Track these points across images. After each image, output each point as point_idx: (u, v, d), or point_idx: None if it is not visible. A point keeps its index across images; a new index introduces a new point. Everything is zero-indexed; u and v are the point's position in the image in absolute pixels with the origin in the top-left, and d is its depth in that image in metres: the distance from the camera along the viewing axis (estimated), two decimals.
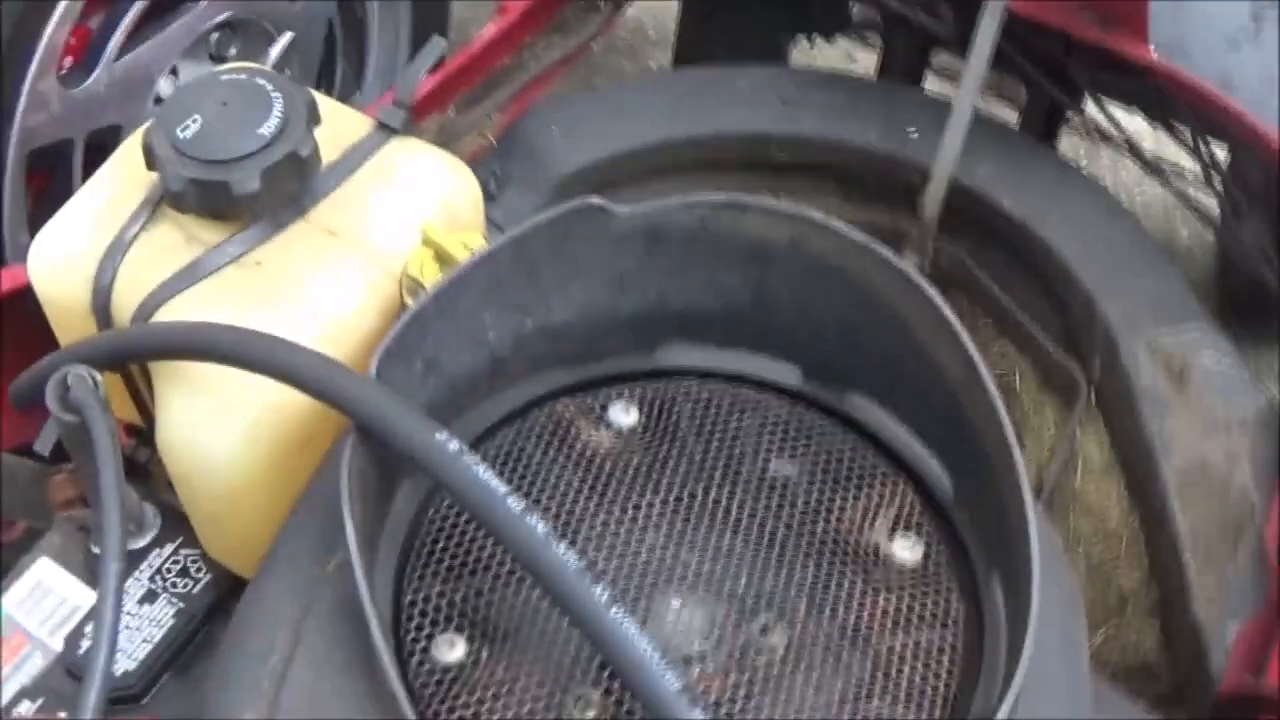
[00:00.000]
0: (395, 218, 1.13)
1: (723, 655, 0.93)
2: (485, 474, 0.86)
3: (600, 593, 0.82)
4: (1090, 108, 2.02)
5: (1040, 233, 1.76)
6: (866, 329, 1.02)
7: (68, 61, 1.71)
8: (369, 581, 0.86)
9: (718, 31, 2.22)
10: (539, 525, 0.84)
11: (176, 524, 1.20)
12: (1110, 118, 1.98)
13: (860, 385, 1.07)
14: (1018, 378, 1.82)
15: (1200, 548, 1.52)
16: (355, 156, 1.16)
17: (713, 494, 0.99)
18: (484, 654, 0.92)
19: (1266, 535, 1.51)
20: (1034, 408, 1.79)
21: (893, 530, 1.00)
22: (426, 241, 1.10)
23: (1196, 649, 1.47)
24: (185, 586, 1.18)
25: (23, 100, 1.66)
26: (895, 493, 1.01)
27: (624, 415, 1.04)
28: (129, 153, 1.16)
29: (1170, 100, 1.81)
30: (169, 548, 1.20)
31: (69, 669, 1.15)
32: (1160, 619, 1.59)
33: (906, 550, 0.99)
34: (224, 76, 1.13)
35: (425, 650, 0.92)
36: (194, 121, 1.08)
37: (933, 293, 0.96)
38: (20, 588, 1.19)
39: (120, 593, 0.95)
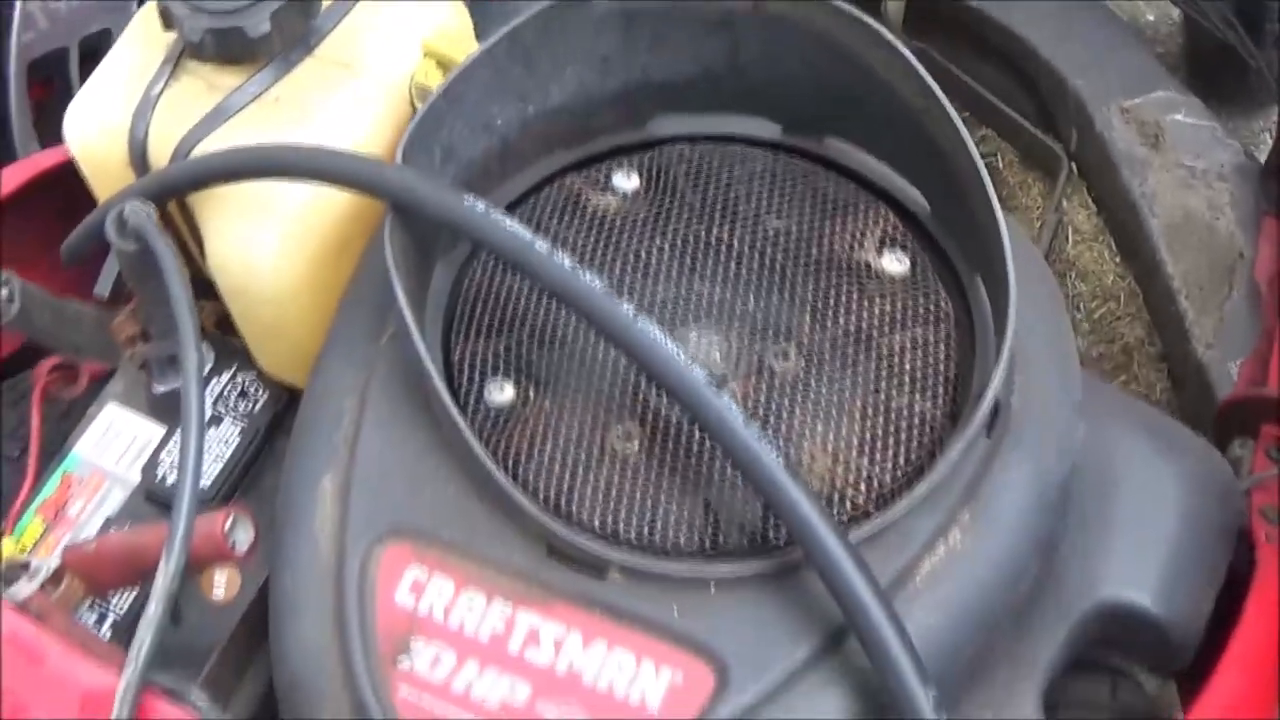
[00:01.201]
0: (397, 43, 1.29)
1: (742, 373, 1.11)
2: (512, 225, 1.04)
3: (627, 308, 1.00)
4: None
5: (1003, 19, 1.94)
6: (833, 77, 1.19)
7: None
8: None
9: None
10: (565, 260, 1.02)
11: (229, 354, 1.38)
12: None
13: (836, 130, 1.24)
14: (1000, 161, 1.99)
15: (1195, 292, 1.69)
16: None
17: (714, 233, 1.17)
18: (531, 395, 1.10)
19: (1258, 271, 1.68)
20: (1020, 187, 1.98)
21: (880, 248, 1.17)
22: (428, 53, 1.26)
23: (1202, 385, 1.64)
24: (246, 407, 1.37)
25: (15, 21, 1.83)
26: (879, 216, 1.19)
27: (626, 181, 1.22)
28: (143, 21, 1.33)
29: None
30: (226, 375, 1.38)
31: (149, 495, 1.33)
32: (1167, 365, 1.76)
33: (895, 263, 1.16)
34: None
35: (478, 397, 1.10)
36: None
37: (886, 32, 1.14)
38: (92, 433, 1.37)
39: (203, 388, 1.12)
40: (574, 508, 1.04)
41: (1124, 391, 1.70)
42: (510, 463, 1.06)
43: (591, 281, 1.00)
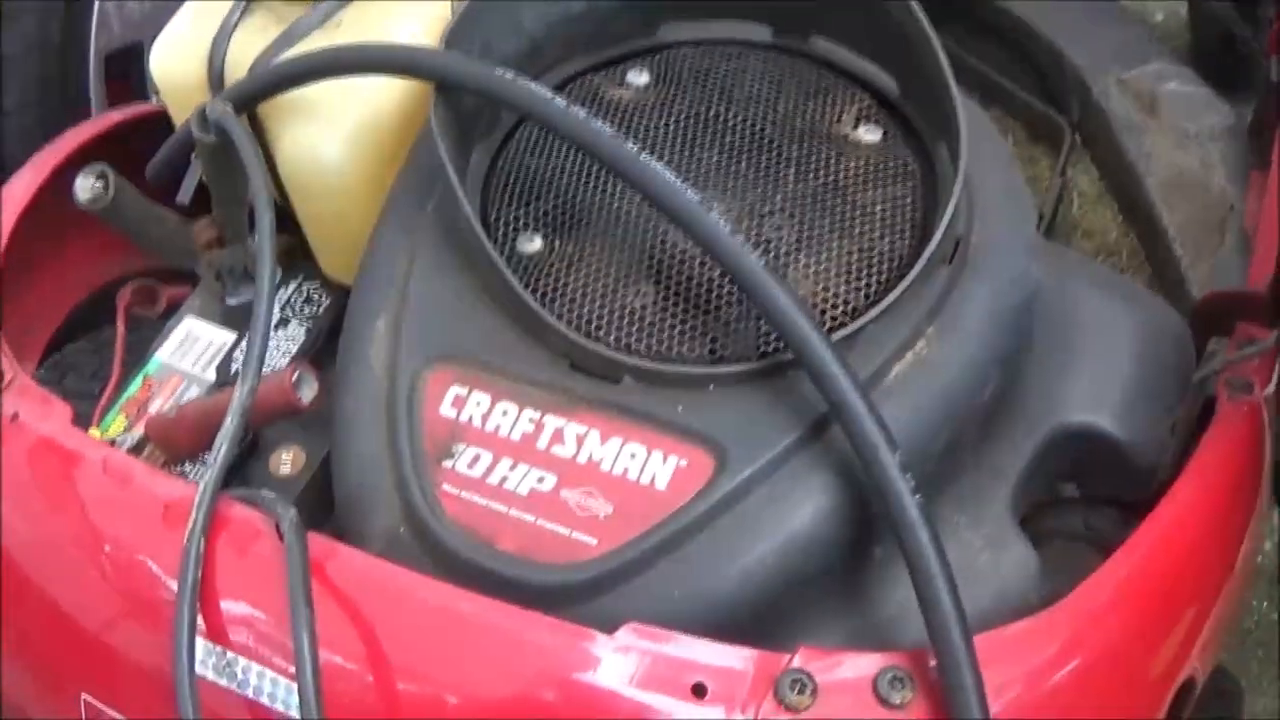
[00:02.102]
0: None
1: (736, 217, 1.33)
2: (539, 88, 1.27)
3: (631, 147, 1.22)
4: None
5: (1005, 3, 2.17)
6: None
7: None
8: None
9: None
10: (580, 111, 1.25)
11: (294, 268, 1.62)
12: None
13: (819, 29, 1.48)
14: (1009, 137, 2.21)
15: (1190, 242, 1.89)
16: None
17: (713, 112, 1.40)
18: (556, 245, 1.33)
19: (1247, 220, 1.88)
20: (1028, 159, 2.19)
21: (857, 122, 1.40)
22: None
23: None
24: (310, 310, 1.60)
25: (94, 19, 2.11)
26: (855, 97, 1.42)
27: (639, 77, 1.46)
28: None
29: None
30: (292, 285, 1.62)
31: (221, 387, 1.55)
32: None
33: (869, 134, 1.39)
34: None
35: (511, 248, 1.33)
36: None
37: None
38: (170, 342, 1.59)
39: (275, 263, 1.34)
40: (593, 329, 1.26)
41: (1088, 258, 1.90)
42: (538, 296, 1.28)
43: (601, 126, 1.23)
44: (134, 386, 1.57)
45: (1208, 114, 2.04)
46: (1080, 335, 1.38)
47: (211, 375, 1.56)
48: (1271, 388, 1.52)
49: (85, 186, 1.43)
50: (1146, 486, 1.37)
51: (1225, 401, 1.41)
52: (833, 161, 1.36)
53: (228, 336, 1.59)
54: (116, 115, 1.76)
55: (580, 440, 1.21)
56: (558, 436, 1.21)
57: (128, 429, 1.53)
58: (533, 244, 1.33)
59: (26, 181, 1.66)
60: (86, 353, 1.72)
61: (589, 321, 1.26)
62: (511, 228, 1.34)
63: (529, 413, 1.23)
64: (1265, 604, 2.32)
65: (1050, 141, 2.18)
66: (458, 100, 1.33)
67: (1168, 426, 1.38)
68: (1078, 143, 2.13)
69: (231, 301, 1.59)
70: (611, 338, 1.25)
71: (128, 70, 2.18)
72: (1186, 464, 1.34)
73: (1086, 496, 1.44)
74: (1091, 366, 1.37)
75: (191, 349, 1.59)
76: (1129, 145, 2.02)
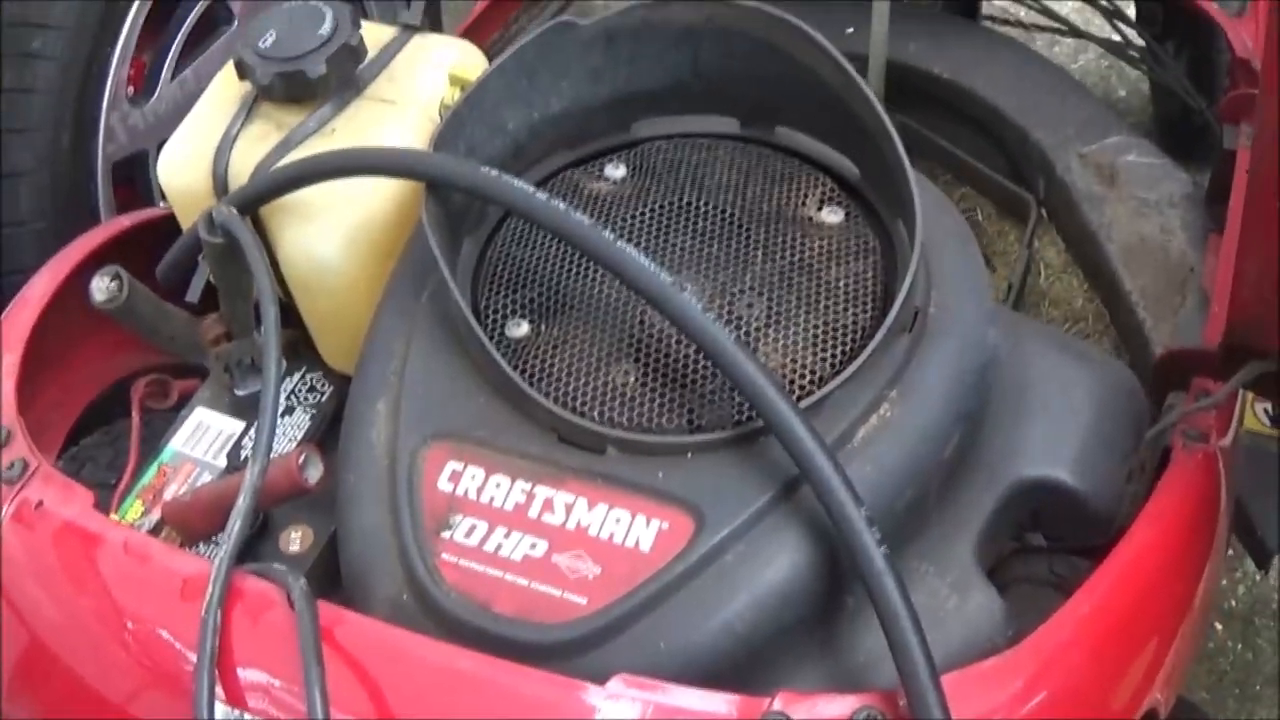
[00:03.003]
0: (430, 81, 1.66)
1: (708, 297, 1.43)
2: (521, 184, 1.39)
3: (609, 235, 1.33)
4: None
5: (969, 86, 2.29)
6: (773, 73, 1.53)
7: (131, 90, 2.27)
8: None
9: None
10: (559, 203, 1.36)
11: (298, 359, 1.73)
12: None
13: (783, 120, 1.60)
14: (980, 214, 2.33)
15: (1151, 304, 2.00)
16: (391, 49, 1.69)
17: (686, 199, 1.52)
18: (543, 329, 1.44)
19: (1205, 280, 1.99)
20: (998, 234, 2.31)
21: (820, 205, 1.52)
22: (453, 80, 1.63)
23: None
24: (314, 399, 1.71)
25: (101, 132, 2.23)
26: (819, 181, 1.54)
27: (616, 170, 1.58)
28: (221, 81, 1.70)
29: None
30: (296, 375, 1.73)
31: (232, 471, 1.65)
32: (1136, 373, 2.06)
33: (832, 215, 1.50)
34: (284, 5, 1.67)
35: (500, 332, 1.44)
36: (270, 35, 1.61)
37: (808, 29, 1.49)
38: (183, 432, 1.70)
39: (280, 354, 1.44)
40: (578, 405, 1.36)
41: (1043, 323, 2.00)
42: (526, 377, 1.39)
43: (579, 217, 1.35)
44: (149, 474, 1.67)
45: (1166, 182, 2.15)
46: (1036, 393, 1.49)
47: (223, 462, 1.66)
48: (1229, 437, 1.63)
49: (101, 288, 1.54)
50: (1106, 533, 1.47)
51: (1180, 450, 1.51)
52: (798, 242, 1.47)
53: (237, 425, 1.69)
54: (126, 220, 1.87)
55: (569, 508, 1.31)
56: (548, 505, 1.32)
57: (145, 514, 1.63)
58: (520, 329, 1.44)
59: (44, 284, 1.77)
60: (103, 445, 1.82)
61: (574, 398, 1.36)
62: (500, 314, 1.45)
63: (521, 484, 1.33)
64: (1239, 645, 2.42)
65: (1018, 216, 2.30)
66: (447, 198, 1.45)
67: (1123, 476, 1.48)
68: (1044, 216, 2.25)
69: (240, 392, 1.70)
70: (596, 412, 1.35)
71: (134, 176, 2.29)
72: (1143, 509, 1.45)
73: (1051, 544, 1.54)
74: (1047, 422, 1.47)
75: (203, 438, 1.69)
76: (1091, 216, 2.13)
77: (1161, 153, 2.21)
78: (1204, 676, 2.40)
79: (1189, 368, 1.69)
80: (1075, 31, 2.60)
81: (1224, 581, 2.51)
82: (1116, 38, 2.58)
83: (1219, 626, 2.48)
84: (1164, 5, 2.54)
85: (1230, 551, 2.12)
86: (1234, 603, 2.49)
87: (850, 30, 2.35)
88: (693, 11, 1.55)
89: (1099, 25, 2.58)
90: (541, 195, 1.36)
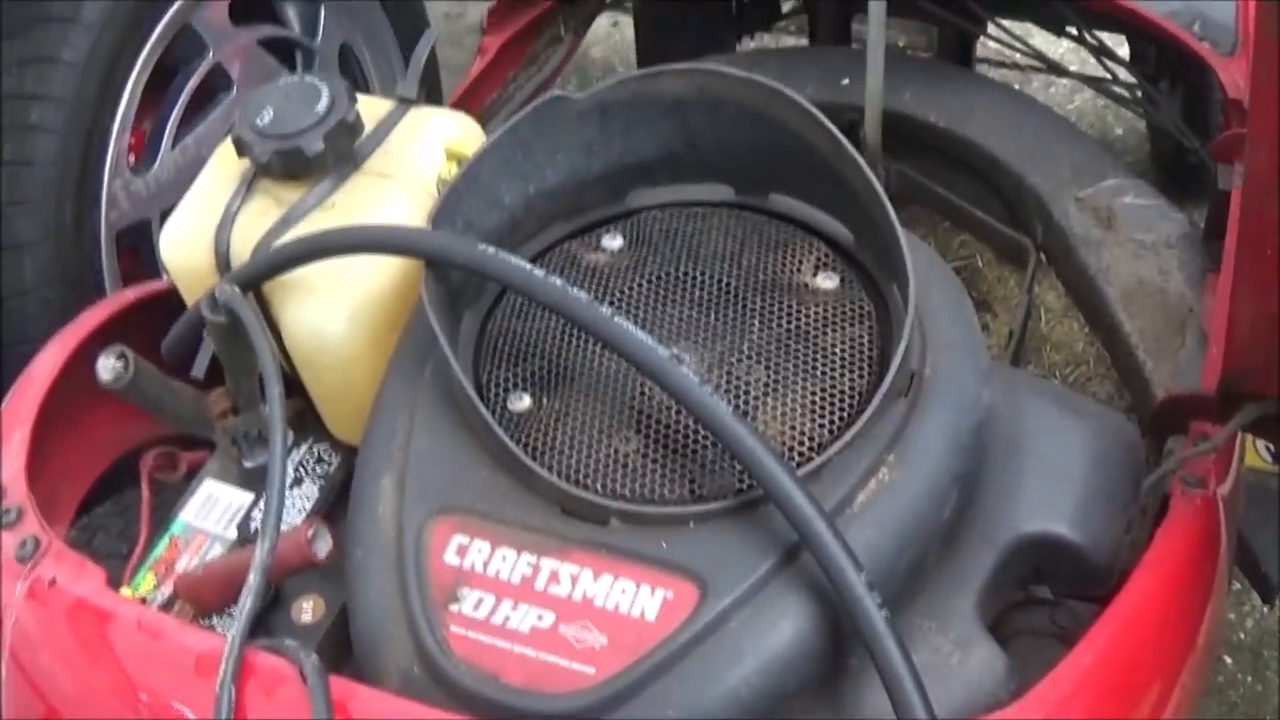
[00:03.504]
0: (426, 155, 1.69)
1: (707, 367, 1.47)
2: (518, 261, 1.42)
3: (607, 310, 1.37)
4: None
5: (965, 133, 2.32)
6: (765, 141, 1.57)
7: (132, 159, 2.31)
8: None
9: (670, 43, 2.84)
10: (556, 280, 1.40)
11: (305, 430, 1.76)
12: (1013, 34, 2.56)
13: (776, 187, 1.63)
14: (979, 260, 2.36)
15: (1151, 345, 2.01)
16: (388, 123, 1.74)
17: (682, 269, 1.55)
18: (544, 402, 1.47)
19: (1204, 320, 2.01)
20: (997, 280, 2.33)
21: (815, 271, 1.55)
22: (450, 154, 1.67)
23: None
24: (322, 470, 1.74)
25: (103, 202, 2.27)
26: (813, 247, 1.57)
27: (612, 241, 1.61)
28: (220, 158, 1.74)
29: (1052, 5, 2.39)
30: (304, 447, 1.76)
31: (243, 543, 1.68)
32: (1136, 414, 2.08)
33: (827, 281, 1.54)
34: (281, 81, 1.71)
35: (502, 406, 1.47)
36: (268, 112, 1.65)
37: (798, 97, 1.53)
38: (193, 504, 1.73)
39: (286, 431, 1.48)
40: (581, 477, 1.40)
41: (1038, 377, 2.03)
42: (529, 451, 1.42)
43: (577, 294, 1.38)
44: (161, 547, 1.70)
45: (1163, 223, 2.18)
46: (1032, 448, 1.52)
47: (233, 533, 1.70)
48: (1228, 483, 1.65)
49: (107, 367, 1.57)
50: (1107, 582, 1.50)
51: (1178, 496, 1.54)
52: (794, 309, 1.50)
53: (246, 497, 1.73)
54: (131, 294, 1.91)
55: (574, 579, 1.35)
56: (554, 577, 1.35)
57: (157, 587, 1.66)
58: (522, 402, 1.47)
59: (51, 360, 1.81)
60: (113, 515, 1.86)
61: (577, 471, 1.40)
62: (502, 388, 1.49)
63: (526, 556, 1.37)
64: (1249, 677, 2.45)
65: (1017, 262, 2.32)
66: (446, 274, 1.49)
67: (1122, 527, 1.51)
68: (1043, 261, 2.27)
69: (248, 464, 1.74)
70: (598, 485, 1.39)
71: (138, 245, 2.33)
72: (1143, 557, 1.48)
73: (1054, 595, 1.57)
74: (1044, 476, 1.51)
75: (213, 510, 1.73)
76: (1089, 259, 2.15)
77: (1158, 193, 2.23)
78: (1215, 709, 2.43)
79: (1187, 411, 1.71)
80: (1069, 73, 2.64)
81: (1232, 615, 2.54)
82: (1110, 78, 2.62)
83: (1228, 660, 2.51)
84: (1156, 46, 2.57)
85: (1237, 585, 2.16)
86: (1242, 635, 2.53)
87: (846, 81, 2.39)
88: (684, 82, 1.58)
89: (1094, 65, 2.61)
90: (539, 272, 1.40)
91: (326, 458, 1.75)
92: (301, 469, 1.74)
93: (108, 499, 1.90)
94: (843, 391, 1.43)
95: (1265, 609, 2.53)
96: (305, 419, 1.76)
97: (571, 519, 1.38)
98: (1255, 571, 1.83)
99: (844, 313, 1.50)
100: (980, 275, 2.36)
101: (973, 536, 1.46)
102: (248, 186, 1.69)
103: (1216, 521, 1.57)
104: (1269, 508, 1.83)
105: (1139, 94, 2.67)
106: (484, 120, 2.45)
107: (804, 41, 2.98)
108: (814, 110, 1.50)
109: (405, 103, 1.77)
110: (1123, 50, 2.71)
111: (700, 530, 1.35)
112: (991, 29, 2.62)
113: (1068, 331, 2.22)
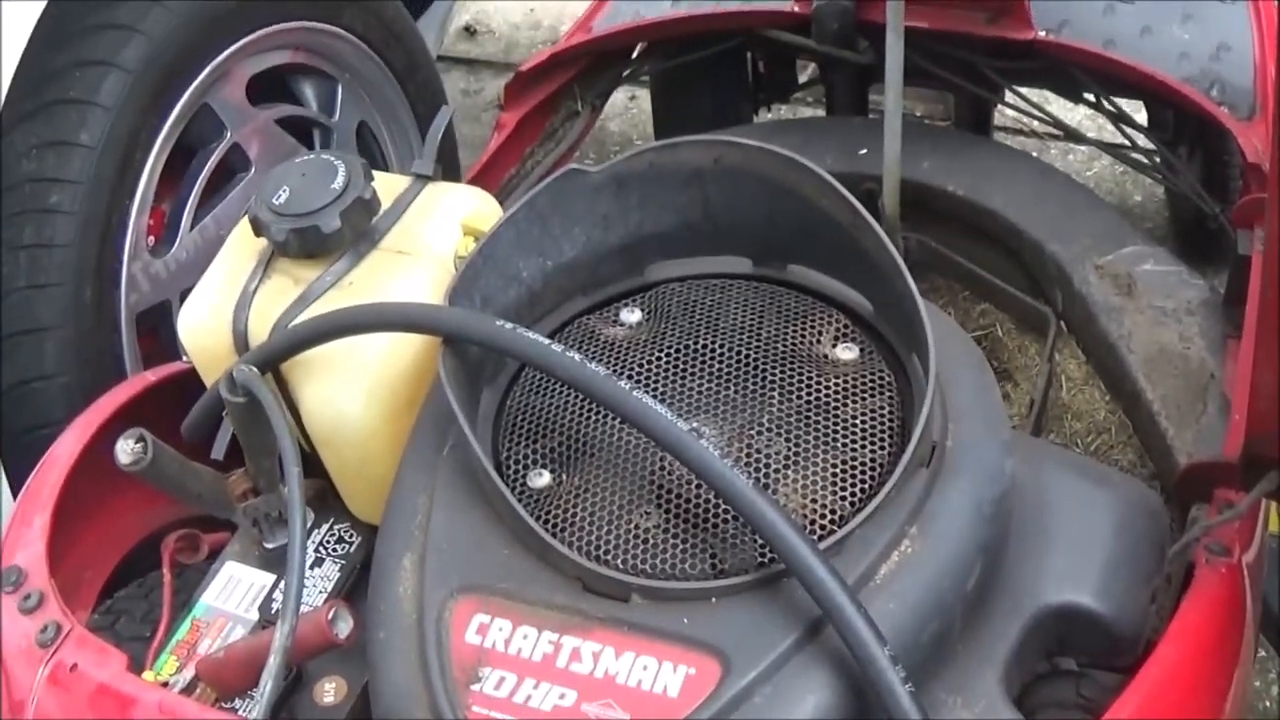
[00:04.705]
0: (444, 231, 1.70)
1: (727, 440, 1.47)
2: (536, 337, 1.43)
3: (626, 385, 1.37)
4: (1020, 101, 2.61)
5: (985, 202, 2.33)
6: (783, 212, 1.58)
7: (151, 240, 2.33)
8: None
9: (687, 116, 2.86)
10: (575, 355, 1.40)
11: (325, 510, 1.77)
12: (1030, 101, 2.57)
13: (795, 258, 1.64)
14: (999, 329, 2.36)
15: (1173, 413, 2.02)
16: (405, 199, 1.75)
17: (701, 341, 1.55)
18: (564, 479, 1.47)
19: (1226, 386, 2.01)
20: (1018, 349, 2.33)
21: (835, 342, 1.55)
22: (466, 231, 1.68)
23: None
24: (343, 550, 1.74)
25: (123, 282, 2.29)
26: (832, 319, 1.57)
27: (631, 315, 1.61)
28: (238, 236, 1.75)
29: (1068, 71, 2.41)
30: (324, 527, 1.76)
31: (264, 626, 1.68)
32: (1159, 482, 2.08)
33: (847, 352, 1.54)
34: (297, 160, 1.73)
35: (522, 484, 1.47)
36: (284, 191, 1.67)
37: (816, 167, 1.53)
38: (214, 586, 1.74)
39: (305, 516, 1.48)
40: (601, 554, 1.39)
41: (1060, 446, 2.03)
42: (549, 528, 1.42)
43: (596, 369, 1.39)
44: (183, 630, 1.70)
45: (1183, 290, 2.18)
46: (1056, 518, 1.52)
47: (254, 615, 1.70)
48: (1253, 550, 1.65)
49: (126, 450, 1.58)
50: (1132, 653, 1.50)
51: (1203, 565, 1.54)
52: (814, 380, 1.50)
53: (267, 578, 1.73)
54: (151, 376, 1.93)
55: (596, 657, 1.34)
56: (575, 655, 1.34)
57: (179, 670, 1.66)
58: (542, 479, 1.47)
59: (71, 443, 1.82)
60: (136, 598, 1.86)
61: (597, 547, 1.40)
62: (522, 465, 1.49)
63: (548, 635, 1.36)
64: None
65: (1038, 330, 2.33)
66: (464, 351, 1.49)
67: (1147, 596, 1.51)
68: (1063, 329, 2.27)
69: (269, 546, 1.74)
70: (619, 561, 1.38)
71: (158, 327, 2.34)
72: (1168, 627, 1.48)
73: (1079, 666, 1.56)
74: (1068, 547, 1.50)
75: (234, 591, 1.73)
76: (1110, 327, 2.16)
77: (1177, 259, 2.24)
78: None
79: (1211, 479, 1.71)
80: (1087, 140, 2.65)
81: (1258, 682, 2.52)
82: (1128, 144, 2.62)
83: None
84: (1174, 111, 2.58)
85: (1263, 652, 2.14)
86: (1269, 703, 2.50)
87: (864, 151, 2.40)
88: (701, 153, 1.59)
89: (1111, 132, 2.62)
90: (557, 347, 1.40)
91: (347, 538, 1.75)
92: (322, 549, 1.74)
93: (131, 581, 1.90)
94: (864, 463, 1.42)
95: None
96: (326, 499, 1.76)
97: (593, 596, 1.37)
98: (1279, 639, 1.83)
99: (864, 383, 1.50)
100: (1001, 344, 2.36)
101: (997, 608, 1.45)
102: (265, 266, 1.70)
103: (1242, 590, 1.57)
104: None
105: (1157, 160, 2.67)
106: (502, 196, 2.48)
107: (821, 112, 3.00)
108: (832, 180, 1.51)
109: (421, 179, 1.78)
110: (1140, 116, 2.72)
111: (722, 605, 1.34)
112: (1009, 96, 2.63)
113: (1089, 400, 2.21)
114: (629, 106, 3.95)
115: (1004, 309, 2.39)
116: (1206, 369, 2.05)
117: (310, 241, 1.65)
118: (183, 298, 2.25)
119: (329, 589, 1.71)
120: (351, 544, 1.75)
